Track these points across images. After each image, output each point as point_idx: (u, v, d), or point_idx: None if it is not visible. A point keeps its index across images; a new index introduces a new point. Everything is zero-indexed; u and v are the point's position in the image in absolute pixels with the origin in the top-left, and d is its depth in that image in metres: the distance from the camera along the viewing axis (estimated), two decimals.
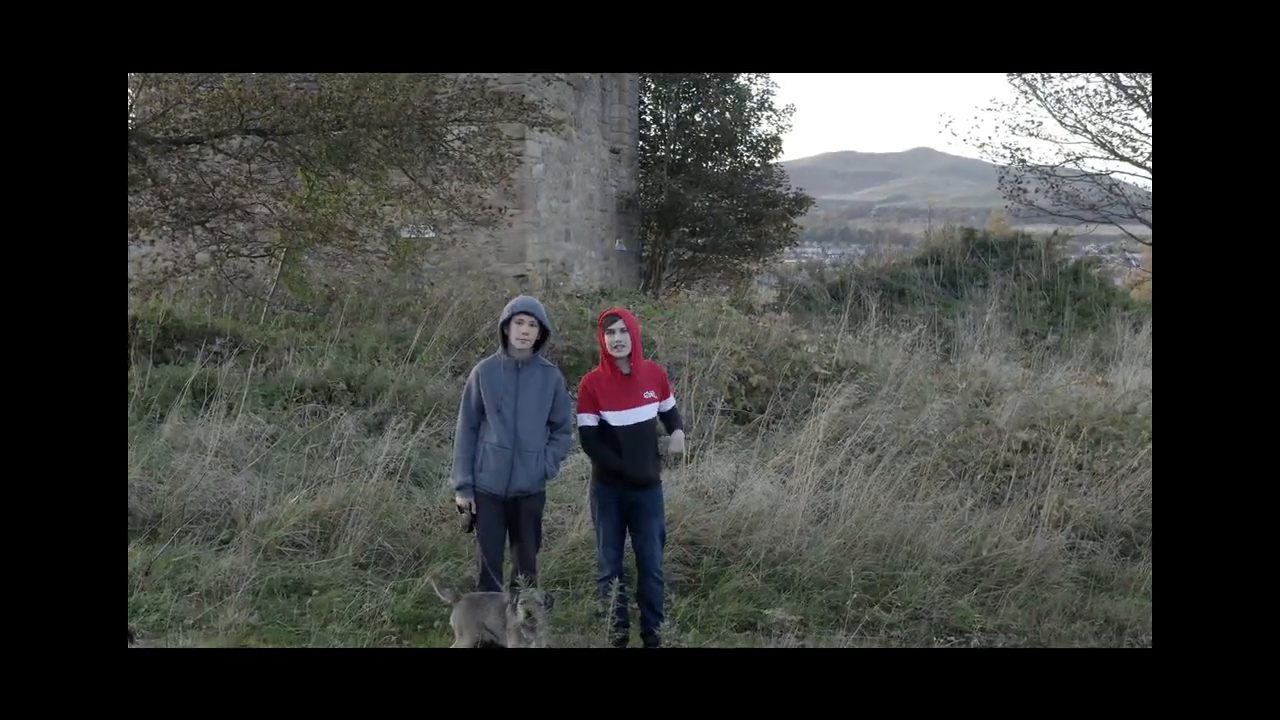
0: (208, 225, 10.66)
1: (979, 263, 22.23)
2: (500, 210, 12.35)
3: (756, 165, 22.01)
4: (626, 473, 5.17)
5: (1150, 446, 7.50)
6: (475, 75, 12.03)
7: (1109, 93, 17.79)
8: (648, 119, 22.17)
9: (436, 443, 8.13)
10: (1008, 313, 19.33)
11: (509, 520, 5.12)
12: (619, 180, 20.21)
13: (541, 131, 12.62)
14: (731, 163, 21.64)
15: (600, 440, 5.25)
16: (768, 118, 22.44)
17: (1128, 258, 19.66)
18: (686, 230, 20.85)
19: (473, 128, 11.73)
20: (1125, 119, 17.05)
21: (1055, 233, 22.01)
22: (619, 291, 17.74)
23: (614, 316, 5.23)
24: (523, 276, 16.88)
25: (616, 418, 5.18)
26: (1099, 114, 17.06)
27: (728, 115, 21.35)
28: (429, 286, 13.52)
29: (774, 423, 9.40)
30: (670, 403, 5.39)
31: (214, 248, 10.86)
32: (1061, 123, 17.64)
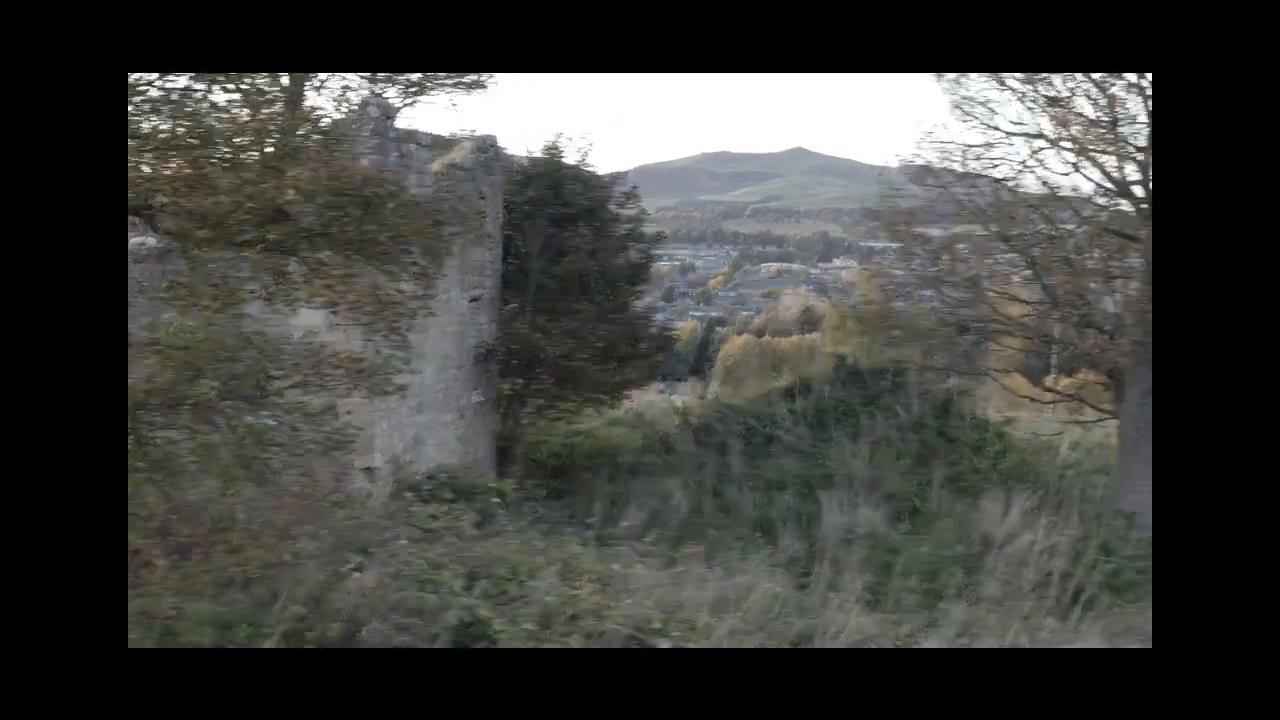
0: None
1: (847, 396, 22.02)
2: (336, 489, 11.28)
3: (622, 302, 21.33)
4: None
5: None
6: (307, 342, 10.92)
7: None
8: (509, 250, 21.22)
9: None
10: (875, 469, 19.07)
11: None
12: (478, 329, 19.24)
13: (385, 396, 11.59)
14: (598, 301, 20.79)
15: None
16: (636, 248, 21.79)
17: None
18: (546, 373, 20.02)
19: (310, 398, 10.60)
20: None
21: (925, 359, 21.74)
22: (475, 473, 16.79)
23: None
24: (371, 469, 15.80)
25: None
26: None
27: (591, 253, 20.44)
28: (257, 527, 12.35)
29: None
30: None
31: None
32: None
